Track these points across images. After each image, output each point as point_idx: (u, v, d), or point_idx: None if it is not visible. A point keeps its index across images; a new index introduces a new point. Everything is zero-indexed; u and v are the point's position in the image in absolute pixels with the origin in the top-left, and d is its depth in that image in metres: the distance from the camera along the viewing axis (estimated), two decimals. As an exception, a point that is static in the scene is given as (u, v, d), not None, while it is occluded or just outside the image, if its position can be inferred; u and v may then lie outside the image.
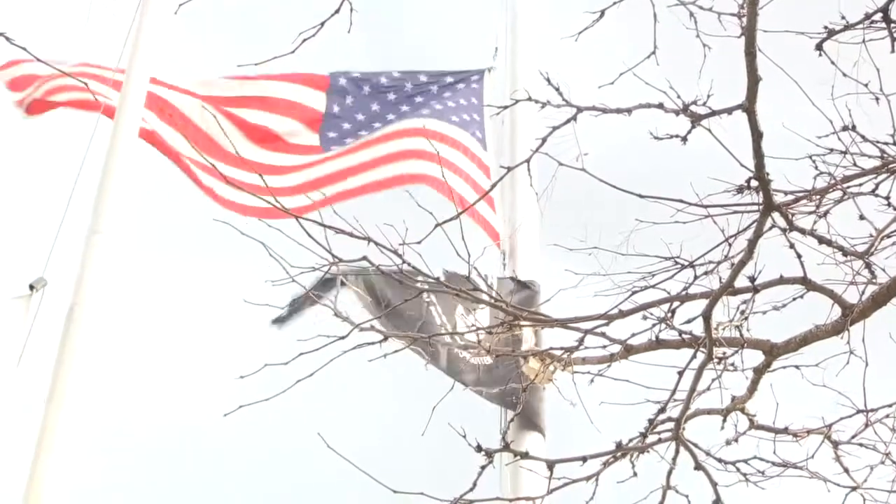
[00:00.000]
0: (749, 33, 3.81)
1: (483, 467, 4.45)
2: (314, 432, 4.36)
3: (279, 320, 5.95)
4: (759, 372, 4.44)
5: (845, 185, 4.47)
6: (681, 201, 4.39)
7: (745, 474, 4.47)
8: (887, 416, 4.50)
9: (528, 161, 4.53)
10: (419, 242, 4.43)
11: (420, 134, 7.32)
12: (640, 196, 4.33)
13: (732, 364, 4.48)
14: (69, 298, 5.91)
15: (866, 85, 4.35)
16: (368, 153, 7.63)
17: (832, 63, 4.25)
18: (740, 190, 4.32)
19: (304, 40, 4.52)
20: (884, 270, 4.36)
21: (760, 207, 4.06)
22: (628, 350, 4.56)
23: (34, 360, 5.99)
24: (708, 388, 4.43)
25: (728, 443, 4.49)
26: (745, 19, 3.94)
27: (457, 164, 6.96)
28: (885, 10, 4.15)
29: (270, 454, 9.90)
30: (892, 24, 4.20)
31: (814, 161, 4.51)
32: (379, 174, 7.43)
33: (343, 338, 4.57)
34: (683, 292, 4.54)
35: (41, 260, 6.13)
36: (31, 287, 5.95)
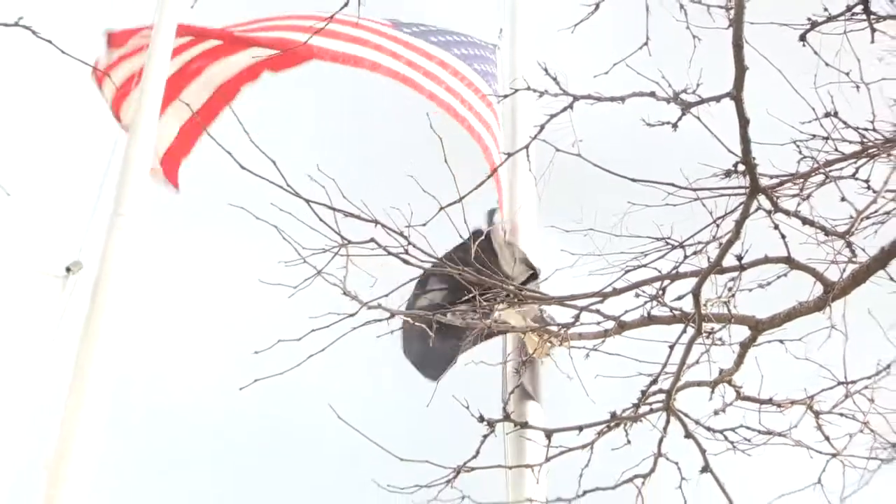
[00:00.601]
0: (736, 25, 3.82)
1: (485, 436, 4.49)
2: (325, 404, 4.38)
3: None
4: (746, 346, 4.46)
5: (827, 169, 4.50)
6: (671, 185, 4.43)
7: (732, 442, 4.50)
8: (866, 387, 4.53)
9: (526, 147, 4.54)
10: (424, 224, 4.45)
11: (456, 75, 7.05)
12: (633, 180, 4.35)
13: (720, 339, 4.50)
14: (93, 276, 5.90)
15: (847, 74, 4.38)
16: (406, 50, 7.18)
17: (815, 53, 4.26)
18: (728, 174, 4.35)
19: (317, 31, 4.54)
20: (863, 250, 4.38)
21: (747, 190, 4.08)
22: (622, 326, 4.59)
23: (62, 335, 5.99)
24: (697, 362, 4.46)
25: (716, 413, 4.51)
26: (732, 11, 3.94)
27: (490, 124, 6.78)
28: (865, 2, 4.16)
29: (284, 425, 9.94)
30: (873, 16, 4.21)
31: (798, 146, 4.53)
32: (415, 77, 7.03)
33: (352, 315, 4.59)
34: (674, 271, 4.58)
35: (75, 242, 6.10)
36: (68, 269, 5.91)
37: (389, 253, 4.47)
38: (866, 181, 4.49)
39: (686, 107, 4.07)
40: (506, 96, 6.26)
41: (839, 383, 4.51)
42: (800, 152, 4.52)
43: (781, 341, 4.50)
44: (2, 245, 6.09)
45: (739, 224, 4.11)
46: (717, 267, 4.27)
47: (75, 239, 6.12)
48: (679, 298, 4.48)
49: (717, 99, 3.96)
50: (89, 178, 6.41)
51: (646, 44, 4.58)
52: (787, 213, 4.25)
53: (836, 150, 4.50)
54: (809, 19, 4.19)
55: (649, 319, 4.55)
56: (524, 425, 4.87)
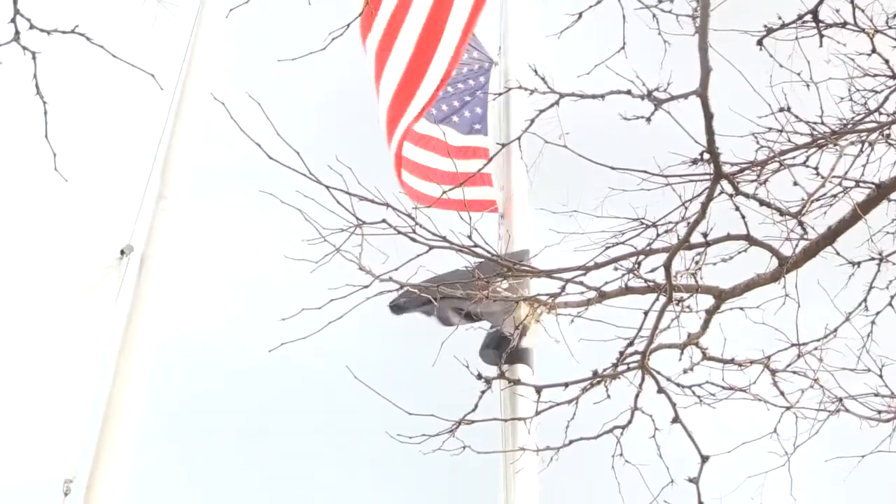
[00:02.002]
0: (702, 32, 3.78)
1: (483, 392, 4.51)
2: (343, 365, 4.41)
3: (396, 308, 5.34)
4: (711, 313, 4.47)
5: (782, 158, 4.51)
6: (645, 172, 4.42)
7: (699, 397, 4.52)
8: (816, 348, 4.57)
9: (518, 139, 4.56)
10: (429, 206, 4.46)
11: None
12: (612, 168, 4.37)
13: (688, 306, 4.51)
14: (140, 254, 5.88)
15: (799, 74, 4.40)
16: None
17: (770, 56, 4.26)
18: (694, 162, 4.34)
19: (333, 39, 4.53)
20: (813, 228, 4.41)
21: (711, 176, 4.03)
22: (602, 295, 4.60)
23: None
24: (668, 327, 4.49)
25: (685, 371, 4.53)
26: (698, 20, 3.94)
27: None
28: (814, 11, 4.17)
29: (306, 384, 9.96)
30: (821, 23, 4.22)
31: (755, 138, 4.54)
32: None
33: (366, 287, 4.60)
34: (647, 247, 4.58)
35: (125, 226, 6.02)
36: (122, 252, 5.83)
37: (399, 232, 4.47)
38: (816, 168, 4.51)
39: (658, 103, 4.07)
40: (500, 94, 6.27)
41: (792, 345, 4.54)
42: (757, 143, 4.54)
43: (742, 308, 4.50)
44: (63, 230, 6.05)
45: (705, 206, 4.08)
46: (685, 243, 4.28)
47: (128, 223, 6.07)
48: (652, 271, 4.51)
49: (685, 96, 3.89)
50: (140, 169, 6.36)
51: (623, 48, 4.61)
52: (746, 196, 4.25)
53: (790, 140, 4.51)
54: (765, 26, 4.20)
55: (626, 290, 4.56)
56: (517, 382, 4.90)
